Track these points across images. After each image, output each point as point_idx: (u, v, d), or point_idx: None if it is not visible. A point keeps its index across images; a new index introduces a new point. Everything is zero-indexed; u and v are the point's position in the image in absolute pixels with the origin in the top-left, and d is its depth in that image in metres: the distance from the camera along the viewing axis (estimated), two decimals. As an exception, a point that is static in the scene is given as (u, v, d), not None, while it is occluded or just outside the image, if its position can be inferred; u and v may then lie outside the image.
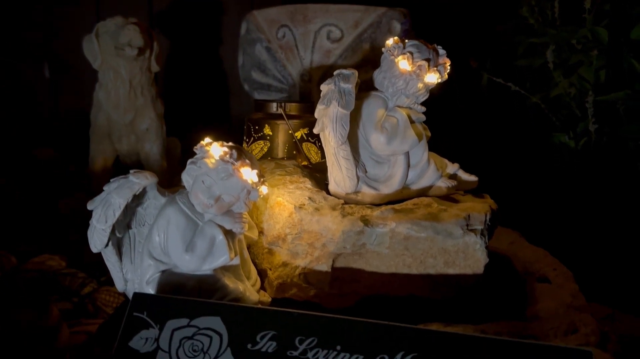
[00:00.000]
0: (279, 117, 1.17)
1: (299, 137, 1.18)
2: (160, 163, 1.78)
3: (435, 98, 0.92)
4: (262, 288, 0.84)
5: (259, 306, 0.76)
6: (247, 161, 0.74)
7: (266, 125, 1.18)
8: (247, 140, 1.20)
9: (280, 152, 1.18)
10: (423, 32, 1.70)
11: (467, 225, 0.75)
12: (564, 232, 1.27)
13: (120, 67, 1.69)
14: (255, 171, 0.74)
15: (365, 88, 1.71)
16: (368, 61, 1.71)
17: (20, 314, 0.80)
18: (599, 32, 1.44)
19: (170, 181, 1.85)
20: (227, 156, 0.72)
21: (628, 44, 1.43)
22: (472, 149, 1.48)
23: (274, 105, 1.18)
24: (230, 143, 0.76)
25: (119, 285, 0.80)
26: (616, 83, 1.36)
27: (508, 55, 1.50)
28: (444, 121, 1.60)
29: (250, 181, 0.73)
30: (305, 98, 1.74)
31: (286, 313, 0.65)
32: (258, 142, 1.18)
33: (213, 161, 0.73)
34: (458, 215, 0.75)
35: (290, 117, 1.18)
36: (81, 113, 2.65)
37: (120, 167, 1.82)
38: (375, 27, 1.71)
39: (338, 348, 0.61)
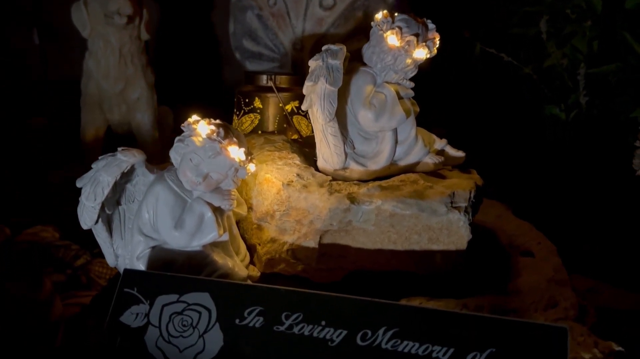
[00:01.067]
0: (269, 89, 1.17)
1: (289, 110, 1.18)
2: (152, 133, 1.78)
3: (427, 70, 0.92)
4: (252, 262, 0.85)
5: (248, 281, 0.78)
6: (235, 139, 0.74)
7: (256, 98, 1.17)
8: (238, 113, 1.20)
9: (271, 125, 1.18)
10: (417, 1, 1.68)
11: (452, 203, 0.76)
12: (552, 204, 1.28)
13: (109, 35, 1.67)
14: (243, 149, 0.74)
15: (358, 58, 1.69)
16: (361, 29, 1.69)
17: (12, 287, 0.82)
18: (593, 2, 1.43)
19: (162, 150, 1.85)
20: (215, 134, 0.73)
21: (623, 13, 1.41)
22: (463, 121, 1.49)
23: (264, 77, 1.18)
24: (217, 121, 0.77)
25: (110, 260, 0.81)
26: (609, 55, 1.36)
27: (502, 24, 1.49)
28: (435, 92, 1.60)
29: (237, 160, 0.74)
30: (298, 67, 1.72)
31: (273, 289, 0.67)
32: (248, 114, 1.18)
33: (200, 139, 0.73)
34: (443, 192, 0.77)
35: (280, 89, 1.18)
36: (71, 79, 2.62)
37: (113, 136, 1.82)
38: (369, -8, 1.69)
39: (323, 323, 0.63)
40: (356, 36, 1.69)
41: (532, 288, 0.77)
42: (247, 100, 1.18)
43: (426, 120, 0.96)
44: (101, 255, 1.17)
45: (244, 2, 1.77)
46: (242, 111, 1.19)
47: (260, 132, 1.19)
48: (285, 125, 1.18)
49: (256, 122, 1.18)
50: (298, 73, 1.71)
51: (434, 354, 0.59)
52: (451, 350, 0.59)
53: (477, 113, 1.52)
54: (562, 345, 0.56)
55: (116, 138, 1.82)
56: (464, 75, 1.54)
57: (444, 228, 0.75)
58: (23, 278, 0.86)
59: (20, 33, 2.71)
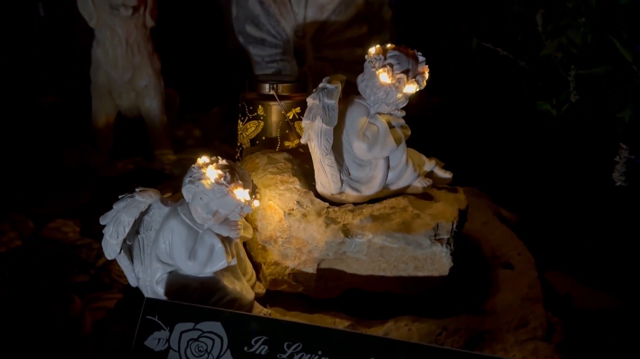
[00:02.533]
0: (272, 97, 1.23)
1: (290, 117, 1.24)
2: (160, 117, 1.85)
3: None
4: (257, 278, 0.95)
5: (255, 303, 0.88)
6: (240, 182, 0.82)
7: (260, 106, 1.24)
8: (243, 118, 1.27)
9: (274, 131, 1.25)
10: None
11: (435, 235, 0.84)
12: (539, 201, 1.37)
13: (116, 25, 1.72)
14: (247, 190, 0.83)
15: (358, 43, 1.72)
16: (361, 16, 1.73)
17: (45, 306, 0.93)
18: (589, -2, 1.45)
19: (170, 133, 1.93)
20: (222, 179, 0.81)
21: (619, 9, 1.44)
22: (459, 115, 1.55)
23: (267, 86, 1.24)
24: (224, 162, 0.85)
25: (132, 282, 0.91)
26: (601, 53, 1.39)
27: (500, 18, 1.52)
28: (434, 86, 1.65)
29: (243, 200, 0.82)
30: (299, 54, 1.77)
31: (276, 320, 0.77)
32: (252, 121, 1.25)
33: (209, 182, 0.81)
34: (428, 224, 0.85)
35: (282, 97, 1.24)
36: (76, 52, 2.67)
37: (123, 119, 1.89)
38: (370, -21, 1.71)
39: (319, 352, 0.74)
40: (357, 23, 1.73)
41: (506, 307, 0.87)
42: (251, 108, 1.25)
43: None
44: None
45: (246, -12, 1.79)
46: (247, 117, 1.26)
47: (264, 138, 1.27)
48: (287, 131, 1.26)
49: (260, 128, 1.25)
50: (302, 64, 1.76)
51: (414, 383, 0.70)
52: (428, 380, 0.69)
53: (474, 107, 1.58)
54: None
55: (128, 120, 1.90)
56: (462, 68, 1.58)
57: (428, 258, 0.84)
58: (54, 295, 0.97)
59: (25, 6, 2.72)
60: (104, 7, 1.69)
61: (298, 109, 1.26)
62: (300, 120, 1.24)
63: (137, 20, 1.72)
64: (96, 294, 1.14)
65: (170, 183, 1.66)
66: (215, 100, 2.59)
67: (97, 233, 1.37)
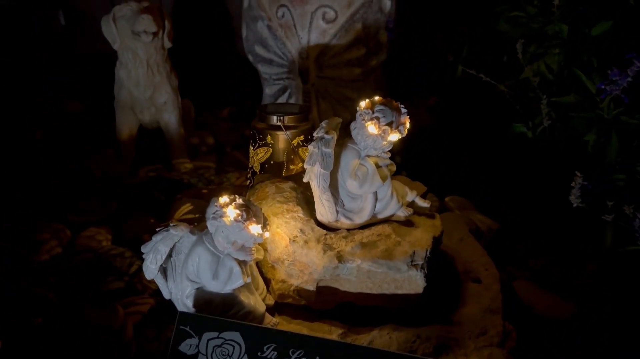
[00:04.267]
0: (279, 127, 1.42)
1: (295, 144, 1.43)
2: (178, 130, 2.05)
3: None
4: (267, 291, 1.15)
5: (265, 317, 1.08)
6: (254, 218, 1.02)
7: (268, 135, 1.43)
8: (254, 144, 1.46)
9: (281, 156, 1.44)
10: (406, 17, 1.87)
11: (412, 261, 1.04)
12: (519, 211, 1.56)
13: (137, 48, 1.90)
14: (260, 225, 1.02)
15: (357, 63, 1.89)
16: (360, 39, 1.90)
17: (94, 317, 1.14)
18: (562, 29, 1.62)
19: (187, 141, 2.12)
20: (239, 217, 1.00)
21: (591, 40, 1.61)
22: (446, 137, 1.73)
23: (275, 117, 1.42)
24: (240, 201, 1.04)
25: (166, 295, 1.12)
26: (572, 81, 1.56)
27: (482, 47, 1.69)
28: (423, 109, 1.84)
29: (256, 234, 1.02)
30: (303, 73, 1.95)
31: (283, 332, 0.97)
32: (262, 147, 1.44)
33: (229, 220, 1.01)
34: (406, 252, 1.05)
35: (287, 127, 1.43)
36: (95, 58, 2.89)
37: (144, 130, 2.09)
38: (367, 6, 1.88)
39: (317, 358, 0.94)
40: (355, 45, 1.90)
41: (471, 318, 1.07)
42: (260, 136, 1.44)
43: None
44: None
45: (254, 12, 1.97)
46: (257, 144, 1.45)
47: (272, 162, 1.46)
48: (292, 156, 1.45)
49: (269, 153, 1.44)
50: (305, 82, 1.94)
51: (390, 383, 0.90)
52: (400, 381, 0.90)
53: (459, 129, 1.76)
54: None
55: (149, 132, 2.09)
56: (449, 93, 1.76)
57: (406, 280, 1.04)
58: (100, 304, 1.18)
59: (47, 14, 2.91)
60: (126, 33, 1.87)
61: (302, 137, 1.44)
62: (304, 146, 1.44)
63: (156, 44, 1.91)
64: (130, 299, 1.34)
65: (187, 192, 1.87)
66: (225, 101, 2.79)
67: (128, 242, 1.58)
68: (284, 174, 1.42)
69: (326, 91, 1.96)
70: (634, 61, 1.37)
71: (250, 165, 1.51)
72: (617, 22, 1.61)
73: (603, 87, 1.43)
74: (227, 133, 2.43)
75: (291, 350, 0.95)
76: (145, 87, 1.94)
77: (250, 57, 2.06)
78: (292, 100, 1.97)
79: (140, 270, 1.45)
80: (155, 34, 1.87)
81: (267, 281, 1.16)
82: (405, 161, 1.77)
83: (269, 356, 0.96)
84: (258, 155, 1.46)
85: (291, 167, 1.46)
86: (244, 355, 0.97)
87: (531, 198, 1.60)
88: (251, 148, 1.49)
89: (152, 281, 1.38)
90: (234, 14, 2.76)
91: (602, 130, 1.51)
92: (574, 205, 1.31)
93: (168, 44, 1.96)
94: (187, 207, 1.71)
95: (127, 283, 1.42)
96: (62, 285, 1.42)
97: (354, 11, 1.87)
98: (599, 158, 1.53)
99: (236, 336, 0.98)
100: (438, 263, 1.19)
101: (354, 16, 1.87)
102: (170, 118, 2.02)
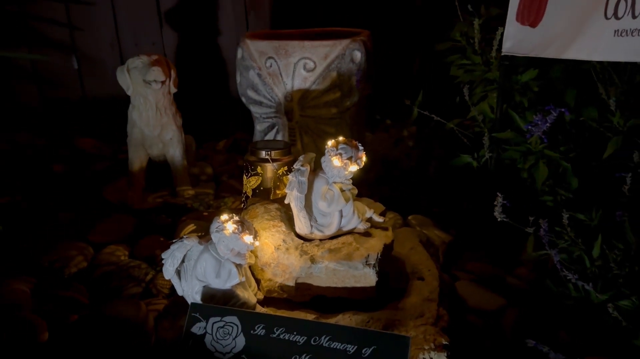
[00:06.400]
0: (267, 160, 1.77)
1: (280, 173, 1.78)
2: (182, 162, 2.39)
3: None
4: (258, 288, 1.48)
5: (257, 305, 1.41)
6: (247, 231, 1.35)
7: (258, 167, 1.78)
8: (247, 174, 1.81)
9: (269, 183, 1.79)
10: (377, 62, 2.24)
11: (366, 261, 1.38)
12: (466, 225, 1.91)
13: (148, 94, 2.26)
14: (252, 236, 1.36)
15: (334, 104, 2.25)
16: (335, 85, 2.27)
17: (124, 309, 1.46)
18: (496, 76, 1.99)
19: (188, 172, 2.46)
20: (236, 230, 1.34)
21: (521, 85, 1.98)
22: (407, 166, 2.09)
23: (264, 152, 1.77)
24: (237, 218, 1.38)
25: (179, 292, 1.44)
26: (509, 120, 1.92)
27: (435, 91, 2.06)
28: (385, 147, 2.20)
29: (249, 242, 1.35)
30: (288, 112, 2.31)
31: (270, 315, 1.30)
32: (253, 176, 1.79)
33: (228, 232, 1.34)
34: (362, 255, 1.39)
35: (274, 159, 1.78)
36: (106, 98, 3.28)
37: (153, 164, 2.43)
38: (340, 58, 2.25)
39: (294, 333, 1.27)
40: (331, 90, 2.27)
41: (412, 305, 1.41)
42: (252, 167, 1.78)
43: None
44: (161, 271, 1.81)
45: (247, 63, 2.33)
46: (250, 173, 1.80)
47: (262, 188, 1.80)
48: (278, 183, 1.79)
49: (259, 181, 1.79)
50: (290, 120, 2.30)
51: (347, 348, 1.23)
52: (355, 346, 1.22)
53: (418, 160, 2.13)
54: (405, 344, 1.19)
55: (156, 165, 2.43)
56: (406, 132, 2.13)
57: (362, 276, 1.38)
58: (126, 302, 1.50)
59: (62, 59, 3.27)
60: (138, 81, 2.23)
61: (285, 167, 1.79)
62: (287, 175, 1.78)
63: (164, 90, 2.26)
64: (148, 300, 1.67)
65: (190, 215, 2.20)
66: (221, 135, 3.16)
67: (142, 257, 1.90)
68: (271, 197, 1.76)
69: (308, 127, 2.32)
70: (551, 111, 1.72)
71: (244, 191, 1.86)
72: (542, 70, 1.99)
73: (529, 127, 1.78)
74: (223, 165, 2.78)
75: (275, 328, 1.28)
76: (154, 126, 2.29)
77: (243, 99, 2.42)
78: (279, 136, 2.33)
79: (154, 277, 1.78)
80: (163, 82, 2.23)
81: (257, 281, 1.49)
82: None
83: (259, 333, 1.29)
84: (250, 183, 1.81)
85: (277, 191, 1.80)
86: (240, 333, 1.30)
87: (476, 215, 1.95)
88: (245, 177, 1.83)
89: (164, 287, 1.72)
90: (228, 61, 3.13)
91: (531, 161, 1.86)
92: (498, 219, 1.65)
93: (173, 90, 2.31)
94: (190, 227, 2.04)
95: (144, 288, 1.75)
96: (90, 290, 1.74)
97: (330, 62, 2.23)
98: (531, 183, 1.89)
99: (234, 319, 1.31)
100: (392, 266, 1.54)
101: (330, 66, 2.23)
102: (175, 152, 2.36)
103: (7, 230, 2.06)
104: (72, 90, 3.39)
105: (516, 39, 1.78)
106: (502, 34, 1.84)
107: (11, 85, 3.28)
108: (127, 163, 2.41)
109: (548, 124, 1.74)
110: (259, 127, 2.42)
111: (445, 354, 1.27)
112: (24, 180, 2.59)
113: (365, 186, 2.05)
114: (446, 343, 1.29)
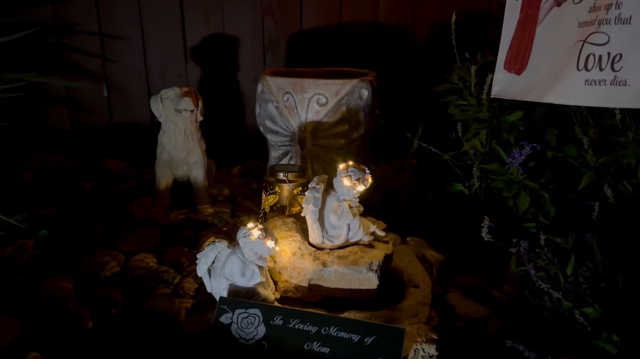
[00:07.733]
0: (284, 181, 2.03)
1: (295, 193, 2.04)
2: (204, 183, 2.65)
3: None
4: (275, 289, 1.72)
5: (275, 302, 1.65)
6: (269, 237, 1.60)
7: (277, 186, 2.04)
8: (266, 192, 2.07)
9: (285, 201, 2.04)
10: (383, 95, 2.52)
11: (369, 266, 1.62)
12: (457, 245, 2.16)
13: (178, 121, 2.53)
14: (273, 241, 1.61)
15: (343, 135, 2.51)
16: (344, 119, 2.55)
17: (161, 303, 1.70)
18: (487, 115, 2.26)
19: (208, 192, 2.71)
20: (261, 236, 1.59)
21: (508, 124, 2.25)
22: (404, 192, 2.35)
23: (281, 174, 2.03)
24: (261, 226, 1.62)
25: (208, 289, 1.68)
26: (496, 153, 2.19)
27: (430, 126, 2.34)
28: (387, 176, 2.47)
29: (271, 247, 1.60)
30: (302, 141, 2.58)
31: (286, 308, 1.54)
32: (271, 195, 2.05)
33: (254, 238, 1.59)
34: (366, 261, 1.63)
35: (290, 181, 2.04)
36: (131, 124, 3.57)
37: (178, 185, 2.68)
38: (350, 94, 2.53)
39: (307, 323, 1.50)
40: (340, 123, 2.54)
41: (408, 307, 1.64)
42: (271, 187, 2.04)
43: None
44: (187, 276, 2.05)
45: (266, 96, 2.62)
46: (268, 192, 2.05)
47: (279, 205, 2.05)
48: (293, 201, 2.05)
49: (276, 199, 2.05)
50: (303, 148, 2.57)
51: (352, 337, 1.46)
52: (359, 336, 1.46)
53: (415, 188, 2.39)
54: (400, 335, 1.42)
55: (180, 186, 2.68)
56: (406, 163, 2.40)
57: (365, 279, 1.62)
58: (162, 297, 1.74)
59: (93, 87, 3.55)
60: (170, 109, 2.51)
61: (300, 188, 2.05)
62: (302, 194, 2.04)
63: (192, 118, 2.54)
64: (177, 300, 1.90)
65: (210, 230, 2.45)
66: (234, 161, 3.43)
67: (169, 264, 2.14)
68: (287, 214, 2.02)
69: (318, 155, 2.59)
70: (525, 146, 1.99)
71: (262, 208, 2.11)
72: (527, 111, 2.26)
73: (509, 160, 2.05)
74: (238, 187, 3.03)
75: (291, 319, 1.52)
76: (182, 150, 2.55)
77: (261, 129, 2.70)
78: (292, 162, 2.59)
79: (181, 281, 2.02)
80: (192, 111, 2.50)
81: (275, 282, 1.73)
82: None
83: (277, 323, 1.52)
84: (268, 201, 2.07)
85: (292, 209, 2.06)
86: (261, 323, 1.53)
87: (467, 237, 2.19)
88: (263, 195, 2.09)
89: (190, 289, 1.96)
90: (246, 95, 3.42)
91: (514, 190, 2.12)
92: (485, 239, 1.89)
93: (200, 118, 2.59)
94: (211, 240, 2.28)
95: (173, 290, 1.98)
96: (124, 290, 1.98)
97: (340, 98, 2.52)
98: (516, 210, 2.14)
99: (256, 311, 1.55)
100: (391, 276, 1.78)
101: (340, 102, 2.52)
102: (198, 173, 2.63)
103: (50, 236, 2.30)
104: (101, 116, 3.63)
105: (503, 84, 2.06)
106: (492, 79, 2.11)
107: (44, 110, 3.54)
108: (151, 183, 2.66)
109: (523, 157, 2.00)
110: (274, 154, 2.69)
111: (435, 346, 1.50)
112: (57, 195, 2.83)
113: (367, 209, 2.31)
114: (436, 337, 1.52)
